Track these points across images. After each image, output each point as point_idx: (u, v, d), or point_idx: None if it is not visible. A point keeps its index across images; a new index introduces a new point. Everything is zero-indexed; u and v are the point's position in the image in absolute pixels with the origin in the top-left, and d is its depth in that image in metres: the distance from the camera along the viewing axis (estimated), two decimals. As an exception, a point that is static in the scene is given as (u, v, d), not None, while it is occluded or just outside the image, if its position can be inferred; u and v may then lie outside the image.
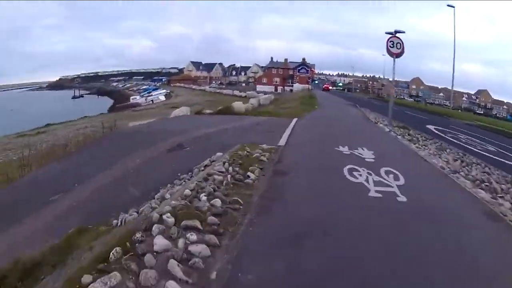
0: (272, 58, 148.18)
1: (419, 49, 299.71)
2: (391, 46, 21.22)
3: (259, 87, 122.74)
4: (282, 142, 14.60)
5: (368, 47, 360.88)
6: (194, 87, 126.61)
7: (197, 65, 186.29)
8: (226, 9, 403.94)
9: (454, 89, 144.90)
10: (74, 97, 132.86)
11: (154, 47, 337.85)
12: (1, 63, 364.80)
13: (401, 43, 21.24)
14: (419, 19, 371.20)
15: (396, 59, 21.80)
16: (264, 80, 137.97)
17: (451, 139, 22.25)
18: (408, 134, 20.28)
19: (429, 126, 28.01)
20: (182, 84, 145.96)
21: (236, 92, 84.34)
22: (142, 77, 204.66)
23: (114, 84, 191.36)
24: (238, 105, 32.11)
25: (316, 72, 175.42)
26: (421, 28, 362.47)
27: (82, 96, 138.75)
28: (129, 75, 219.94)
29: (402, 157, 13.88)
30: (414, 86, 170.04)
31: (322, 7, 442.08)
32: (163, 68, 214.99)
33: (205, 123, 20.22)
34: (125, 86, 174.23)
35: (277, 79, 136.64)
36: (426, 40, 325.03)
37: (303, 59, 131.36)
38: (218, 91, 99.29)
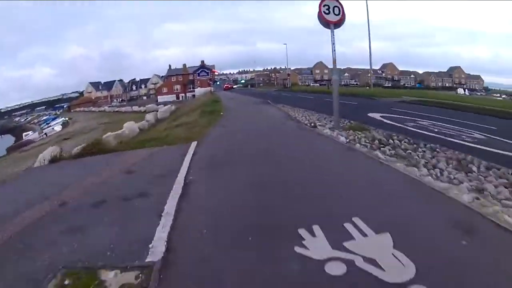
0: (170, 66, 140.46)
1: (317, 35, 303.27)
2: (326, 12, 14.48)
3: (161, 98, 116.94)
4: (158, 248, 4.79)
5: (266, 41, 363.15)
6: (93, 109, 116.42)
7: (96, 85, 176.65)
8: (122, 24, 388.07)
9: (358, 67, 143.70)
10: None
11: (54, 73, 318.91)
12: None
13: (339, 7, 14.55)
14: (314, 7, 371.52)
15: (334, 30, 14.89)
16: (165, 90, 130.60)
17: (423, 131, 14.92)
18: (380, 142, 11.67)
19: (372, 115, 20.57)
20: (81, 108, 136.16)
21: (135, 108, 76.80)
22: (44, 106, 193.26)
23: (17, 119, 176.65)
24: (129, 125, 24.15)
25: (217, 72, 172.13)
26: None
27: None
28: (31, 107, 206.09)
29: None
30: (318, 71, 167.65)
31: (217, 8, 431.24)
32: (64, 94, 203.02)
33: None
34: (27, 119, 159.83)
35: (178, 87, 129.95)
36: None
37: (202, 61, 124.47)
38: (117, 109, 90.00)
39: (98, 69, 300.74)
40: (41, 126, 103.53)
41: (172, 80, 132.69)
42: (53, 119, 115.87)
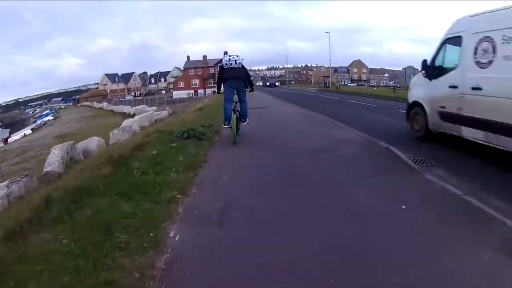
0: (188, 57, 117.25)
1: (348, 35, 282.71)
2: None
3: (176, 93, 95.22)
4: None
5: (295, 39, 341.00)
6: (95, 104, 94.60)
7: (112, 77, 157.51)
8: (153, 17, 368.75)
9: (398, 68, 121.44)
10: None
11: (82, 64, 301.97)
12: None
13: None
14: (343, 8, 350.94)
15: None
16: (181, 84, 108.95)
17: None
18: None
19: None
20: (87, 103, 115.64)
21: (127, 109, 55.95)
22: (61, 98, 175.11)
23: (28, 110, 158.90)
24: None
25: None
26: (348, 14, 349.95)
27: None
28: (48, 97, 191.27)
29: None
30: (355, 70, 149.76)
31: (246, 5, 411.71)
32: (85, 85, 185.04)
33: None
34: (35, 112, 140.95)
35: (197, 81, 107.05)
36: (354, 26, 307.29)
37: (225, 52, 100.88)
38: (111, 108, 68.73)
39: (125, 61, 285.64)
40: (36, 121, 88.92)
41: (190, 74, 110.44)
42: (46, 115, 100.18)
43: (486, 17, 8.33)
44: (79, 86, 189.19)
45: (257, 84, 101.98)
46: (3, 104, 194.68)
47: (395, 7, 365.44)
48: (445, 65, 9.84)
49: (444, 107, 9.53)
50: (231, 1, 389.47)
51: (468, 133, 8.70)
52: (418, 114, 10.82)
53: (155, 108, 44.89)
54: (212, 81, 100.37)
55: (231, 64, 10.81)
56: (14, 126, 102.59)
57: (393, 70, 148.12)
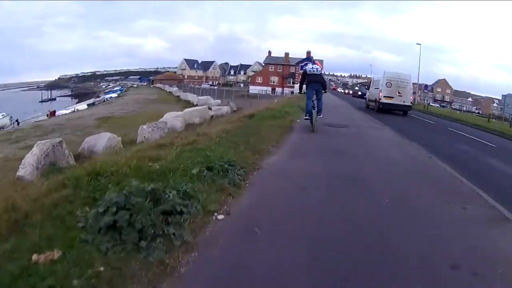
0: (270, 52, 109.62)
1: (433, 52, 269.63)
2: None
3: (253, 88, 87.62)
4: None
5: (381, 50, 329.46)
6: (166, 88, 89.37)
7: (191, 63, 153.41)
8: (241, 9, 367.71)
9: (481, 94, 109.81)
10: (42, 101, 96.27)
11: (167, 47, 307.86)
12: (13, 62, 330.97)
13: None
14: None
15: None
16: (259, 80, 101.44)
17: None
18: None
19: None
20: (159, 85, 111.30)
21: (192, 97, 49.41)
22: (139, 76, 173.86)
23: (101, 84, 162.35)
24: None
25: (327, 73, 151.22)
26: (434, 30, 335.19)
27: (54, 99, 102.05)
28: (125, 74, 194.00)
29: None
30: (439, 89, 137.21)
31: (336, 8, 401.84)
32: (166, 67, 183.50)
33: None
34: (108, 86, 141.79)
35: (276, 79, 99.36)
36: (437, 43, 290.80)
37: (308, 52, 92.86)
38: (178, 94, 62.54)
39: (209, 50, 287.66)
40: (99, 96, 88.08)
41: (270, 70, 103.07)
42: (115, 91, 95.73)
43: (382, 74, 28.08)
44: (158, 68, 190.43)
45: (339, 90, 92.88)
46: (80, 75, 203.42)
47: (481, 29, 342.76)
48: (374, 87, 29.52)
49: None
50: (322, 3, 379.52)
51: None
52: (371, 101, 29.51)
53: (219, 101, 37.42)
54: (292, 81, 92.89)
55: (314, 71, 14.00)
56: (84, 97, 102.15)
57: (476, 95, 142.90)
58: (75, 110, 50.45)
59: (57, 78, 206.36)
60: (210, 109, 25.51)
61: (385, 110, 26.35)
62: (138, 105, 46.51)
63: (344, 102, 39.46)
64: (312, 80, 13.89)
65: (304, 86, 14.48)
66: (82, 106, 55.65)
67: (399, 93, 26.67)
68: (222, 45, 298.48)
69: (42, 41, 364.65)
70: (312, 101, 13.80)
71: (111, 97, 74.46)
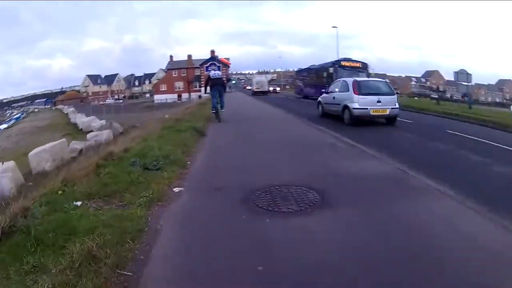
0: (171, 57, 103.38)
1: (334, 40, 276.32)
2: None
3: (158, 97, 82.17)
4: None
5: (287, 44, 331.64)
6: (65, 109, 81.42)
7: (94, 78, 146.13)
8: (145, 19, 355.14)
9: (395, 74, 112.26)
10: None
11: (74, 65, 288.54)
12: None
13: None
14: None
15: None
16: (163, 87, 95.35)
17: None
18: None
19: None
20: (60, 106, 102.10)
21: (80, 119, 43.09)
22: (45, 99, 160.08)
23: (7, 112, 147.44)
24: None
25: (235, 72, 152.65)
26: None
27: None
28: (32, 98, 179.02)
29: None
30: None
31: (239, 8, 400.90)
32: (72, 86, 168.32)
33: None
34: (12, 114, 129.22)
35: (180, 84, 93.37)
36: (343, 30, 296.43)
37: (212, 51, 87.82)
38: (70, 116, 54.98)
39: (117, 63, 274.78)
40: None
41: (174, 75, 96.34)
42: (16, 118, 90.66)
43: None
44: (63, 88, 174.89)
45: (248, 88, 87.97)
46: None
47: (383, 12, 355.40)
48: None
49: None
50: (225, 3, 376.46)
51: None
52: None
53: (103, 122, 31.89)
54: (198, 84, 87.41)
55: (216, 75, 18.49)
56: None
57: (392, 76, 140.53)
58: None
59: None
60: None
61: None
62: (17, 138, 40.00)
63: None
64: (215, 83, 17.87)
65: (209, 88, 18.02)
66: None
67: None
68: (128, 56, 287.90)
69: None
70: (217, 99, 17.69)
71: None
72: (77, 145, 21.57)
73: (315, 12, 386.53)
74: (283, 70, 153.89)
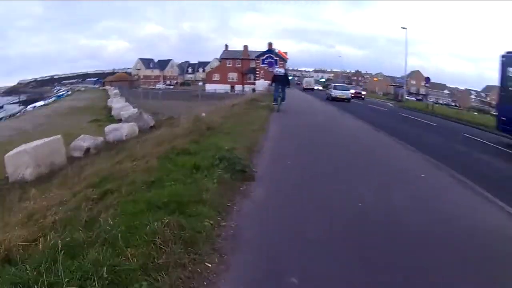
0: (226, 46, 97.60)
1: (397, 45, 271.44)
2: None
3: (210, 86, 77.01)
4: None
5: (345, 44, 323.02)
6: (109, 91, 77.45)
7: (147, 62, 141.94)
8: (204, 8, 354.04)
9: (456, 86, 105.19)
10: None
11: (130, 47, 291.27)
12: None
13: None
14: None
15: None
16: (216, 77, 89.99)
17: None
18: None
19: None
20: (108, 87, 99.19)
21: (116, 103, 40.21)
22: (96, 78, 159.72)
23: (55, 88, 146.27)
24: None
25: (291, 68, 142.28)
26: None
27: (1, 107, 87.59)
28: (83, 77, 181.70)
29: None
30: (414, 82, 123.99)
31: (300, 3, 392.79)
32: (125, 68, 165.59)
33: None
34: (59, 90, 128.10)
35: (234, 75, 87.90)
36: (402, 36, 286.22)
37: (269, 44, 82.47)
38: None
39: (172, 48, 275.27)
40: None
41: (228, 65, 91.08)
42: (58, 96, 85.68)
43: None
44: (114, 69, 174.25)
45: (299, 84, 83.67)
46: (39, 79, 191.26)
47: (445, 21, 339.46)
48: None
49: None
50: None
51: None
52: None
53: (135, 110, 26.34)
54: (252, 77, 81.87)
55: (279, 72, 22.27)
56: (32, 104, 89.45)
57: (452, 88, 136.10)
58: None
59: (16, 83, 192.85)
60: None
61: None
62: (43, 120, 35.55)
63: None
64: (278, 79, 21.95)
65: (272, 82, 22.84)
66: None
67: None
68: (184, 43, 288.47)
69: (6, 45, 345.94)
70: (278, 92, 21.69)
71: (35, 106, 62.21)
72: (84, 141, 16.47)
73: (375, 14, 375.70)
74: (339, 70, 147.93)
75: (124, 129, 18.46)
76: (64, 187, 7.02)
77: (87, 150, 15.84)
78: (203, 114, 19.26)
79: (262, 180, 7.09)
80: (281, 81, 21.63)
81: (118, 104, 35.30)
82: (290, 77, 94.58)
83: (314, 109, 29.13)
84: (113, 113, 31.84)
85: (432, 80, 75.60)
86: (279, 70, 23.00)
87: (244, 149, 9.22)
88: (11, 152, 12.51)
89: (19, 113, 53.49)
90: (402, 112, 34.72)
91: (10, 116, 51.21)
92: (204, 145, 8.85)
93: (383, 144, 13.70)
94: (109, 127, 19.11)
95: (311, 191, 6.88)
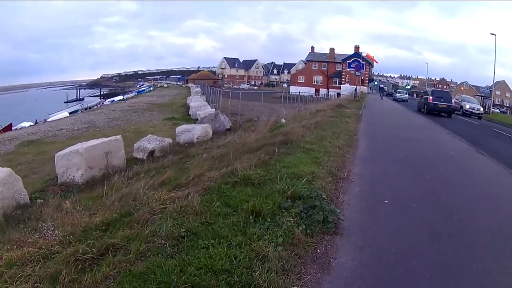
0: (313, 48, 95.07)
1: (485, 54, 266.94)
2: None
3: (294, 89, 74.58)
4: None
5: (433, 51, 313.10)
6: (193, 86, 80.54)
7: (232, 62, 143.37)
8: (292, 9, 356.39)
9: None
10: (67, 101, 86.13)
11: (217, 47, 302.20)
12: (65, 60, 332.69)
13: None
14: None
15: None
16: (301, 79, 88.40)
17: None
18: None
19: None
20: (190, 84, 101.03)
21: (194, 101, 38.36)
22: (180, 76, 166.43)
23: (139, 84, 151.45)
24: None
25: (376, 73, 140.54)
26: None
27: (82, 99, 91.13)
28: (167, 73, 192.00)
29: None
30: (498, 93, 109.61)
31: (391, 9, 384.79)
32: (210, 67, 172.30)
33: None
34: (142, 85, 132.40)
35: (320, 78, 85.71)
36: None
37: (357, 47, 79.94)
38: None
39: (258, 49, 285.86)
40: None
41: (313, 68, 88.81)
42: (139, 91, 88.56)
43: None
44: (199, 67, 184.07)
45: (398, 96, 78.18)
46: (122, 74, 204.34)
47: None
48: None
49: None
50: (377, 3, 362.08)
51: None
52: None
53: (212, 110, 24.84)
54: (338, 80, 79.34)
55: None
56: (113, 97, 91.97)
57: None
58: (44, 120, 39.56)
59: (99, 77, 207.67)
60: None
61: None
62: (117, 114, 35.12)
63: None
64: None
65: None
66: (63, 114, 43.81)
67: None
68: (270, 44, 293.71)
69: (92, 40, 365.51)
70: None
71: (113, 100, 63.74)
72: (149, 143, 14.85)
73: (467, 21, 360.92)
74: (424, 78, 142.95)
75: (196, 131, 16.84)
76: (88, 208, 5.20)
77: (151, 152, 14.30)
78: (283, 120, 17.33)
79: (350, 234, 4.89)
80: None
81: (196, 102, 34.12)
82: (375, 83, 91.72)
83: (401, 121, 24.77)
84: (190, 112, 30.65)
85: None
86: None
87: (328, 176, 7.12)
88: (62, 152, 11.24)
89: (95, 106, 54.43)
90: (495, 127, 28.91)
91: (86, 109, 52.05)
92: (274, 169, 6.66)
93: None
94: (180, 128, 17.58)
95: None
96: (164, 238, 3.82)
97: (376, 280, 3.90)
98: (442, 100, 30.22)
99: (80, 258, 3.39)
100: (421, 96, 38.81)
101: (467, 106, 35.27)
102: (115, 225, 4.15)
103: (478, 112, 34.70)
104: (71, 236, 3.85)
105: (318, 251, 4.30)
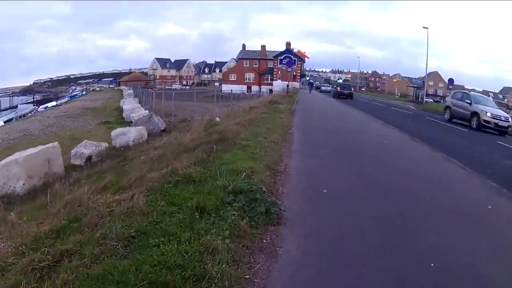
0: (244, 46, 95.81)
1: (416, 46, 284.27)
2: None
3: (226, 87, 74.06)
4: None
5: (365, 45, 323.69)
6: (124, 90, 76.55)
7: (163, 62, 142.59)
8: (223, 8, 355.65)
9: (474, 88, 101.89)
10: (0, 110, 77.90)
11: (149, 47, 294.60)
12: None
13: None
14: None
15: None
16: (233, 77, 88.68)
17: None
18: None
19: None
20: (123, 87, 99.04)
21: (127, 104, 38.56)
22: (112, 78, 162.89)
23: (72, 87, 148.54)
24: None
25: (308, 69, 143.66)
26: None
27: (15, 107, 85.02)
28: (100, 77, 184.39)
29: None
30: (431, 83, 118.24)
31: (322, 5, 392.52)
32: (141, 68, 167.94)
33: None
34: (74, 90, 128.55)
35: (251, 76, 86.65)
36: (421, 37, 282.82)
37: (288, 43, 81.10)
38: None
39: (190, 49, 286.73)
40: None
41: (245, 66, 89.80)
42: (72, 96, 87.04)
43: None
44: (131, 69, 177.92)
45: (323, 88, 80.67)
46: (54, 79, 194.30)
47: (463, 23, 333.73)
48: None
49: None
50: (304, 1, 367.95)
51: None
52: None
53: (146, 113, 24.59)
54: (269, 77, 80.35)
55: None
56: (46, 103, 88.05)
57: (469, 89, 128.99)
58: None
59: (31, 83, 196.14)
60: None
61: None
62: (51, 121, 34.37)
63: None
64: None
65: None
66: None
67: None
68: (202, 44, 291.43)
69: (25, 45, 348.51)
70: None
71: (46, 106, 60.88)
72: (85, 148, 14.67)
73: (398, 15, 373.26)
74: (357, 71, 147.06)
75: (132, 134, 16.73)
76: (32, 221, 5.16)
77: (89, 158, 14.10)
78: (218, 119, 17.44)
79: (292, 224, 5.13)
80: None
81: (129, 105, 33.66)
82: (307, 78, 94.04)
83: (335, 111, 28.28)
84: (124, 115, 30.20)
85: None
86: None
87: (266, 170, 7.34)
88: (1, 162, 11.07)
89: (30, 114, 52.19)
90: (428, 116, 31.14)
91: (20, 116, 49.98)
92: (213, 166, 6.87)
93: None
94: (115, 131, 17.41)
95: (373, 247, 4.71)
96: (116, 240, 3.91)
97: (324, 264, 4.16)
98: (345, 89, 52.71)
99: (37, 266, 3.43)
100: (335, 88, 61.97)
101: (488, 115, 21.47)
102: (65, 231, 4.18)
103: (507, 123, 21.44)
104: (23, 247, 3.86)
105: (264, 241, 4.51)
